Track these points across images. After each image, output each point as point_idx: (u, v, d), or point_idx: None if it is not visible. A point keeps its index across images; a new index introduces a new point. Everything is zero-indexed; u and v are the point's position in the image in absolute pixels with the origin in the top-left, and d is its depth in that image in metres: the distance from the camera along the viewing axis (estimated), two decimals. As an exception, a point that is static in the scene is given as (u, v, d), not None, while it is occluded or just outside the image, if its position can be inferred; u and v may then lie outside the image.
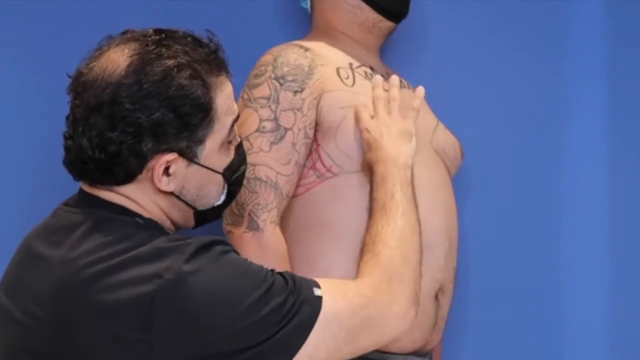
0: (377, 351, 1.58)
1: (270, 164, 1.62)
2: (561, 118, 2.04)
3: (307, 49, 1.70)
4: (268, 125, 1.63)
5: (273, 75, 1.66)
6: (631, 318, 2.01)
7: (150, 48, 1.30)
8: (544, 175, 2.03)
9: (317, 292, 1.30)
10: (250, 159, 1.58)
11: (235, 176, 1.42)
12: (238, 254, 1.33)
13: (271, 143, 1.63)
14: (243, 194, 1.57)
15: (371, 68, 1.77)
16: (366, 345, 1.36)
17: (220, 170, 1.38)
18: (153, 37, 1.32)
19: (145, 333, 1.22)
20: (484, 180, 2.01)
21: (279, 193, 1.61)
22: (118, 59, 1.29)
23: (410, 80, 1.86)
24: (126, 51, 1.30)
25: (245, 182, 1.56)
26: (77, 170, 1.33)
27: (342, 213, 1.64)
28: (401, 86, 1.80)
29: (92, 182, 1.34)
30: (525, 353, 2.02)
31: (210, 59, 1.33)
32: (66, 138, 1.32)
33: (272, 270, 1.31)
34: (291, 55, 1.68)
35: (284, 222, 1.69)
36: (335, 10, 1.79)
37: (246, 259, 1.33)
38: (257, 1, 2.00)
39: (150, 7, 1.91)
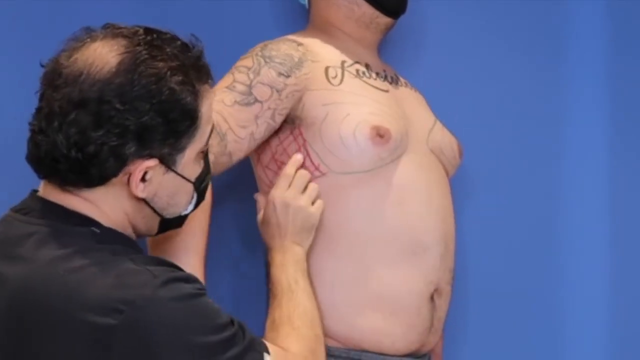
0: (372, 353, 1.64)
1: (226, 117, 1.59)
2: (561, 118, 2.03)
3: (300, 44, 1.69)
4: (240, 87, 1.62)
5: (260, 54, 1.66)
6: (631, 319, 2.01)
7: (142, 48, 1.24)
8: (543, 175, 2.03)
9: (266, 358, 1.28)
10: None
11: (203, 185, 1.38)
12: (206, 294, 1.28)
13: (235, 102, 1.61)
14: None
15: (367, 65, 1.75)
16: None
17: (193, 180, 1.34)
18: (144, 36, 1.26)
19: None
20: (483, 181, 2.01)
21: (223, 144, 1.59)
22: (106, 55, 1.23)
23: (410, 78, 1.86)
24: (115, 47, 1.24)
25: None
26: (46, 168, 1.26)
27: (334, 215, 1.63)
28: (400, 84, 1.81)
29: (60, 183, 1.27)
30: (525, 354, 2.02)
31: (198, 65, 1.29)
32: (35, 132, 1.25)
33: (232, 320, 1.27)
34: (282, 46, 1.68)
35: None
36: (332, 6, 1.78)
37: (215, 303, 1.27)
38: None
39: (145, 3, 1.90)
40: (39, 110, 1.26)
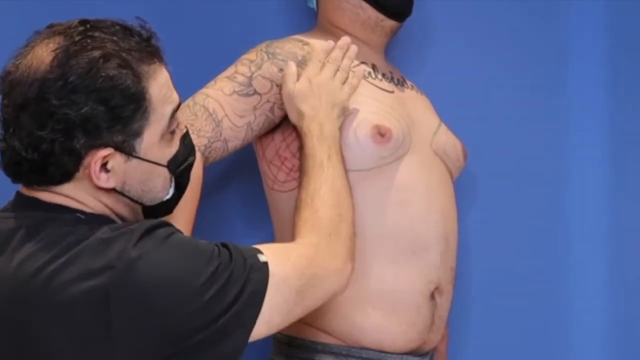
0: (373, 350, 1.64)
1: (223, 104, 1.61)
2: (564, 121, 2.04)
3: (305, 43, 1.71)
4: (240, 78, 1.64)
5: (264, 49, 1.68)
6: (632, 319, 2.02)
7: (75, 40, 1.24)
8: (546, 177, 2.04)
9: (261, 258, 1.29)
10: (205, 89, 1.59)
11: (182, 167, 1.36)
12: (181, 233, 1.30)
13: (235, 91, 1.63)
14: (183, 113, 1.52)
15: (373, 66, 1.76)
16: (313, 303, 1.37)
17: (164, 163, 1.32)
18: (78, 28, 1.26)
19: (104, 328, 1.20)
20: (487, 182, 2.02)
21: (218, 130, 1.60)
22: (42, 54, 1.24)
23: (415, 81, 1.87)
24: (51, 45, 1.24)
25: (190, 103, 1.56)
26: (13, 173, 1.28)
27: None
28: (406, 87, 1.82)
29: (29, 184, 1.29)
30: (528, 354, 2.03)
31: (141, 47, 1.27)
32: (0, 140, 1.27)
33: (216, 245, 1.28)
34: (287, 44, 1.70)
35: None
36: (336, 10, 1.79)
37: (192, 238, 1.30)
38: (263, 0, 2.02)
39: (154, 4, 1.91)
40: None
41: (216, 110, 1.60)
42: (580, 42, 2.04)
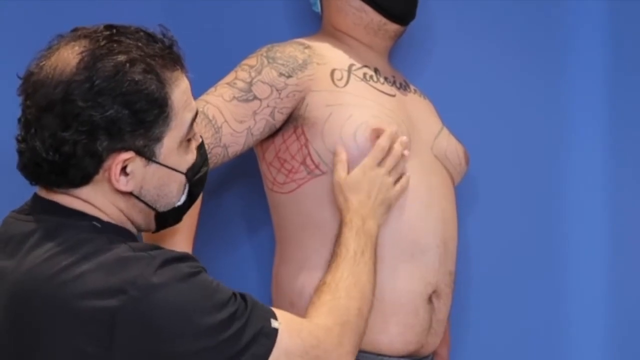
0: (370, 353, 1.64)
1: (222, 110, 1.61)
2: (566, 126, 2.04)
3: (307, 47, 1.71)
4: (240, 84, 1.64)
5: (265, 54, 1.68)
6: (631, 322, 2.02)
7: (101, 44, 1.25)
8: (547, 182, 2.04)
9: (274, 324, 1.29)
10: (205, 96, 1.60)
11: (197, 177, 1.37)
12: (206, 271, 1.29)
13: (234, 97, 1.63)
14: None
15: (375, 70, 1.76)
16: None
17: (184, 170, 1.33)
18: (104, 32, 1.27)
19: (105, 348, 1.20)
20: (487, 186, 2.02)
21: (217, 136, 1.60)
22: (68, 57, 1.25)
23: (418, 84, 1.87)
24: (76, 48, 1.25)
25: None
26: (32, 174, 1.29)
27: (334, 215, 1.62)
28: (408, 91, 1.82)
29: (48, 186, 1.30)
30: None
31: (165, 54, 1.28)
32: (19, 141, 1.28)
33: (234, 294, 1.28)
34: (288, 48, 1.69)
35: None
36: (340, 13, 1.79)
37: (214, 280, 1.29)
38: (268, 3, 2.01)
39: (159, 4, 1.93)
40: (19, 120, 1.29)
41: (216, 117, 1.60)
42: (582, 48, 2.04)
